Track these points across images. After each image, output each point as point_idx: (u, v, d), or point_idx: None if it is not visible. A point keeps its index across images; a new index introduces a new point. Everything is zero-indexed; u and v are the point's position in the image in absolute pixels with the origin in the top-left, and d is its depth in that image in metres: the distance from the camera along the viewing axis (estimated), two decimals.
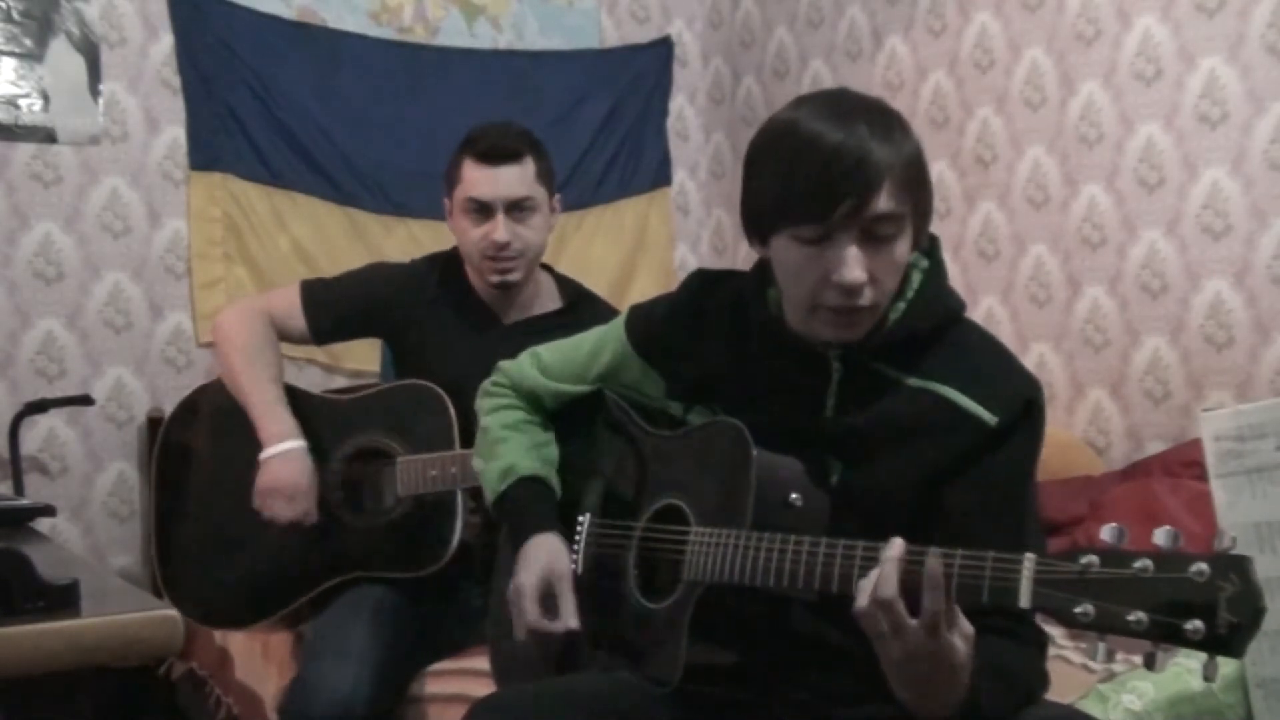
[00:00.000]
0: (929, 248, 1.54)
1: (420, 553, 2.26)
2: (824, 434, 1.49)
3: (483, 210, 2.33)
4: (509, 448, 1.76)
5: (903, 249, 1.43)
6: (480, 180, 2.33)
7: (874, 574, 1.27)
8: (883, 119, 1.43)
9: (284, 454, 2.27)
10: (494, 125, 2.41)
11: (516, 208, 2.33)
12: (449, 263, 2.46)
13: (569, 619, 1.62)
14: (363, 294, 2.45)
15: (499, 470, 1.75)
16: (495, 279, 2.36)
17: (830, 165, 1.37)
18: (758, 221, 1.48)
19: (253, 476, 2.32)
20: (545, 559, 1.66)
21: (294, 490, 2.26)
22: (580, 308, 2.45)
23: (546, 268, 2.51)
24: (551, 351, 1.82)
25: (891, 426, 1.47)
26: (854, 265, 1.39)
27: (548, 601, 1.64)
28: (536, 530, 1.70)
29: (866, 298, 1.42)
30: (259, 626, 2.42)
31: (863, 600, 1.27)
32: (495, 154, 2.33)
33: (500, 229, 2.31)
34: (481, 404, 1.85)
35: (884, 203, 1.38)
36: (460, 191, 2.36)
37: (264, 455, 2.28)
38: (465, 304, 2.42)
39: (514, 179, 2.33)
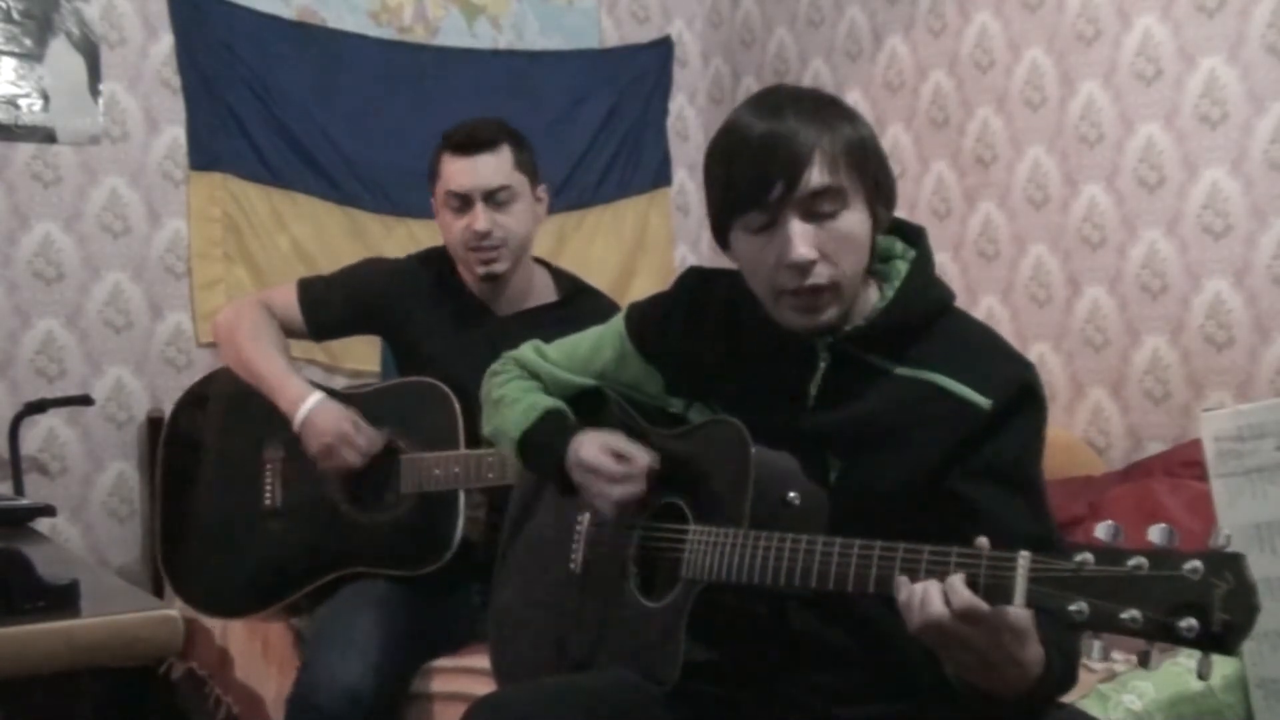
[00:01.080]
0: (915, 239, 1.55)
1: (421, 551, 2.26)
2: (814, 427, 1.49)
3: (463, 202, 2.34)
4: (530, 398, 1.76)
5: (850, 223, 1.44)
6: (457, 172, 2.33)
7: (927, 591, 1.24)
8: (814, 105, 1.47)
9: (311, 412, 2.27)
10: (470, 120, 2.42)
11: (495, 196, 2.33)
12: (443, 258, 2.46)
13: (643, 456, 1.60)
14: (358, 291, 2.46)
15: (523, 409, 1.74)
16: (481, 270, 2.36)
17: (759, 152, 1.43)
18: (715, 223, 1.52)
19: (259, 468, 2.33)
20: (595, 436, 1.65)
21: (340, 438, 2.25)
22: (577, 300, 2.45)
23: (542, 262, 2.51)
24: (552, 347, 1.83)
25: (886, 420, 1.47)
26: (799, 243, 1.42)
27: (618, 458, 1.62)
28: (575, 434, 1.68)
29: (822, 275, 1.43)
30: (259, 616, 2.42)
31: (938, 607, 1.23)
32: (470, 144, 2.34)
33: (480, 218, 2.31)
34: (490, 382, 1.85)
35: (817, 178, 1.42)
36: (440, 186, 2.37)
37: (296, 425, 2.28)
38: (459, 298, 2.43)
39: (490, 168, 2.33)
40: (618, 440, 1.64)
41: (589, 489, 1.64)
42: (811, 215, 1.43)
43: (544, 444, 1.71)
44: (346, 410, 2.29)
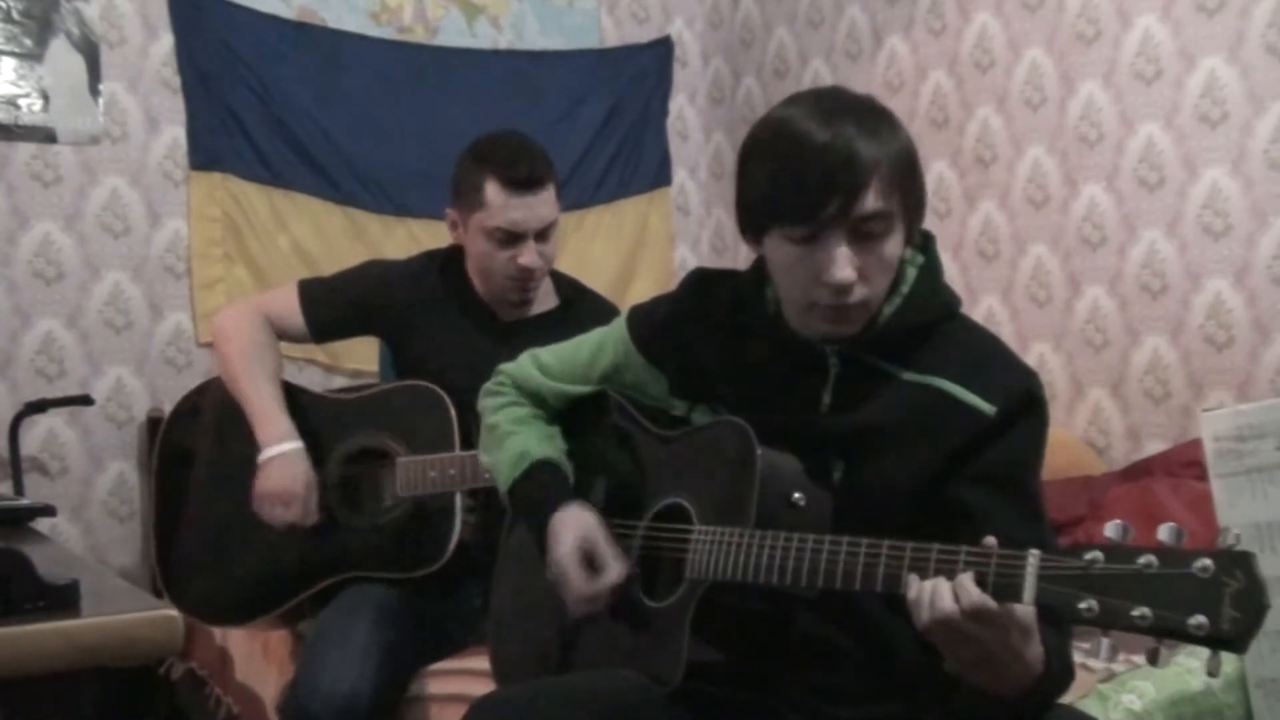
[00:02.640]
0: (924, 244, 1.55)
1: (418, 554, 2.26)
2: (824, 432, 1.50)
3: (514, 238, 2.30)
4: (519, 439, 1.75)
5: (893, 246, 1.44)
6: (513, 210, 2.27)
7: (937, 588, 1.24)
8: (871, 116, 1.43)
9: (279, 457, 2.27)
10: (511, 144, 2.35)
11: (545, 232, 2.32)
12: (447, 261, 2.45)
13: (615, 570, 1.59)
14: (360, 292, 2.45)
15: (512, 457, 1.73)
16: (518, 298, 2.36)
17: (816, 165, 1.39)
18: (750, 220, 1.50)
19: (253, 474, 2.32)
20: (575, 526, 1.63)
21: (288, 495, 2.25)
22: (576, 304, 2.45)
23: None
24: (551, 354, 1.81)
25: (891, 423, 1.47)
26: (843, 264, 1.40)
27: (589, 563, 1.61)
28: (559, 505, 1.67)
29: (858, 295, 1.43)
30: (257, 624, 2.42)
31: (948, 604, 1.23)
32: (528, 183, 2.28)
33: (531, 254, 2.29)
34: (485, 403, 1.84)
35: (871, 202, 1.39)
36: (485, 217, 2.29)
37: (261, 458, 2.28)
38: (464, 303, 2.42)
39: (547, 206, 2.30)
40: (597, 541, 1.62)
41: (554, 584, 1.64)
42: (858, 236, 1.40)
43: (529, 507, 1.71)
44: (311, 478, 2.28)
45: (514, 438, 1.76)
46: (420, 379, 2.34)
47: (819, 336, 1.49)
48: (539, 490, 1.71)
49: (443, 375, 2.32)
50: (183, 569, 2.44)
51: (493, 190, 2.28)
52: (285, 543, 2.33)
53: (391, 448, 2.31)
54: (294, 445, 2.28)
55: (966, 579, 1.22)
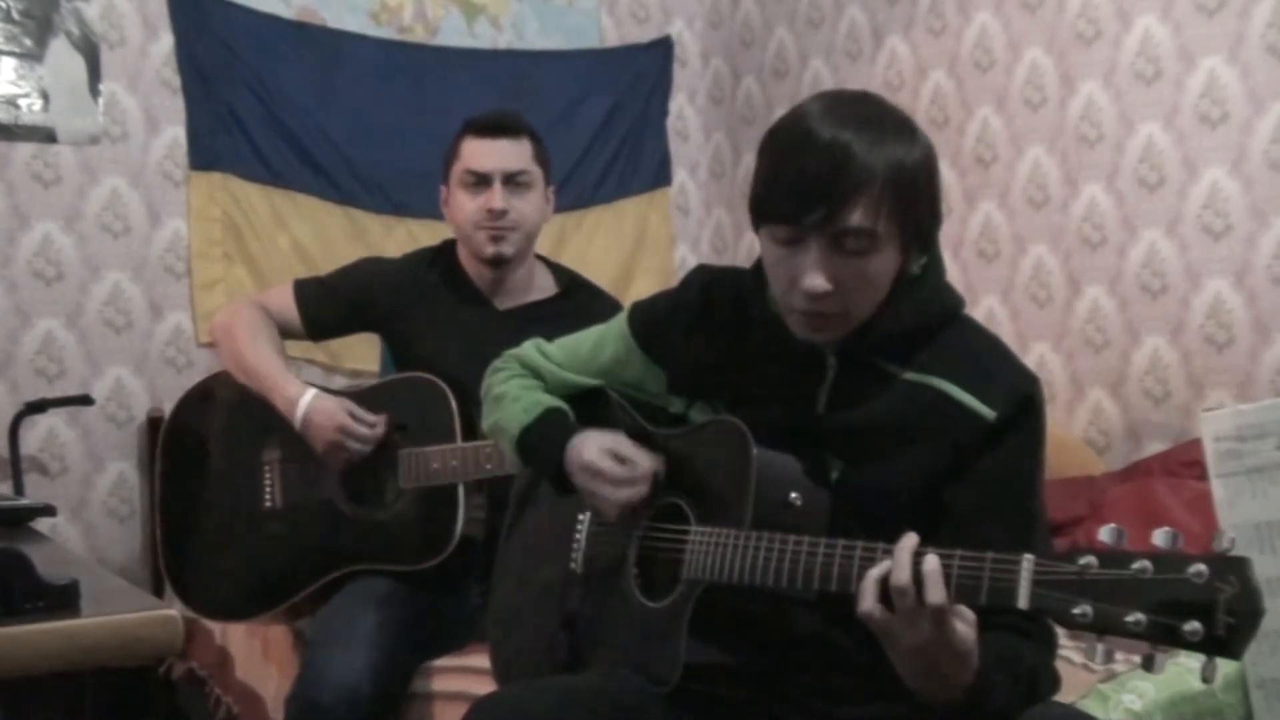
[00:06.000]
0: (927, 244, 1.54)
1: (422, 545, 2.26)
2: (822, 431, 1.50)
3: (480, 181, 2.37)
4: (529, 397, 1.75)
5: (879, 264, 1.42)
6: (479, 151, 2.38)
7: (880, 568, 1.29)
8: (882, 128, 1.40)
9: (309, 411, 2.29)
10: (493, 109, 2.50)
11: (513, 180, 2.38)
12: (441, 253, 2.49)
13: (645, 460, 1.59)
14: (355, 288, 2.47)
15: (524, 407, 1.73)
16: (490, 250, 2.37)
17: (808, 168, 1.38)
18: (750, 210, 1.49)
19: (256, 468, 2.34)
20: (597, 437, 1.64)
21: (342, 431, 2.26)
22: (575, 295, 2.47)
23: (541, 257, 2.53)
24: (554, 345, 1.83)
25: (889, 423, 1.47)
26: (815, 273, 1.39)
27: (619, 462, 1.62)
28: (574, 434, 1.66)
29: (834, 306, 1.42)
30: (262, 619, 2.42)
31: (868, 596, 1.28)
32: (494, 128, 2.40)
33: (497, 197, 2.35)
34: (492, 379, 1.84)
35: (857, 218, 1.37)
36: (458, 166, 2.40)
37: (297, 424, 2.29)
38: (459, 291, 2.44)
39: (511, 152, 2.39)
40: (620, 442, 1.63)
41: (591, 491, 1.63)
42: (840, 248, 1.39)
43: (544, 442, 1.69)
44: (342, 401, 2.30)
45: (522, 399, 1.75)
46: (419, 371, 2.35)
47: (804, 338, 1.49)
48: (554, 429, 1.69)
49: (441, 365, 2.33)
50: (189, 565, 2.45)
51: (465, 140, 2.41)
52: (290, 537, 2.34)
53: (393, 440, 2.31)
54: (310, 394, 2.31)
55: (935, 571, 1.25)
